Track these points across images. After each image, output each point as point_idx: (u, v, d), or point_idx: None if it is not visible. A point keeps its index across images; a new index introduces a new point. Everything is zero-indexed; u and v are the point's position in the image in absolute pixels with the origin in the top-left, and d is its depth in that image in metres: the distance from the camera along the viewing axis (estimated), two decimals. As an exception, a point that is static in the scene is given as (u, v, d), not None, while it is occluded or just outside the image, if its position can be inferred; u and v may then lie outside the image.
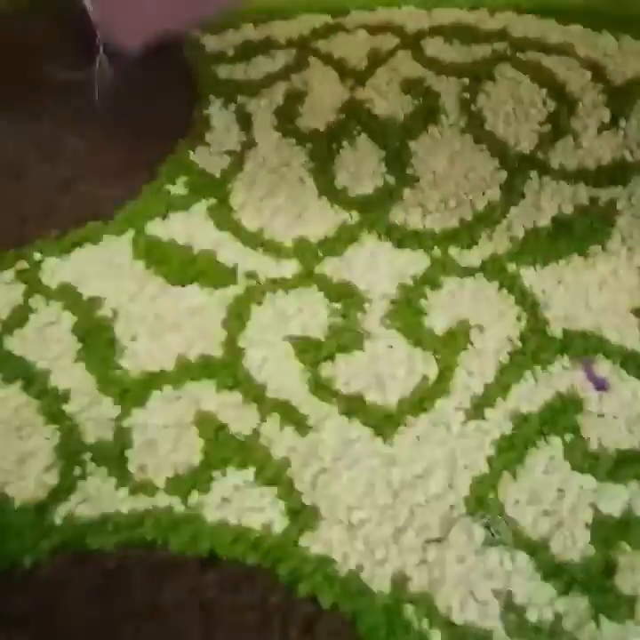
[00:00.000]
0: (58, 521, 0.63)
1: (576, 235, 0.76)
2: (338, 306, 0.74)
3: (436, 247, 0.77)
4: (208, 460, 0.66)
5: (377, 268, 0.76)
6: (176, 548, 0.61)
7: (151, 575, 0.61)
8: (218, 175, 0.86)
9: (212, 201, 0.84)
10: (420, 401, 0.67)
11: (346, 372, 0.70)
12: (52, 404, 0.70)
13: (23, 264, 0.81)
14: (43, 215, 0.85)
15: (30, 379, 0.72)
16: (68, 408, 0.70)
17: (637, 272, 0.73)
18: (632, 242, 0.75)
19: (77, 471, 0.66)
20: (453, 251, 0.76)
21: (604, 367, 0.68)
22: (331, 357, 0.71)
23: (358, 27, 0.99)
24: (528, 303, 0.72)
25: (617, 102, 0.85)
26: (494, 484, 0.63)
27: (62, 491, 0.65)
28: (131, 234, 0.82)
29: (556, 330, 0.70)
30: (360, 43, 0.97)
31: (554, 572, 0.59)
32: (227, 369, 0.71)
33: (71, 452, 0.67)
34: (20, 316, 0.76)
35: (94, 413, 0.69)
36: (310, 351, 0.71)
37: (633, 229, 0.76)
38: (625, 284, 0.72)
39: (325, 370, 0.71)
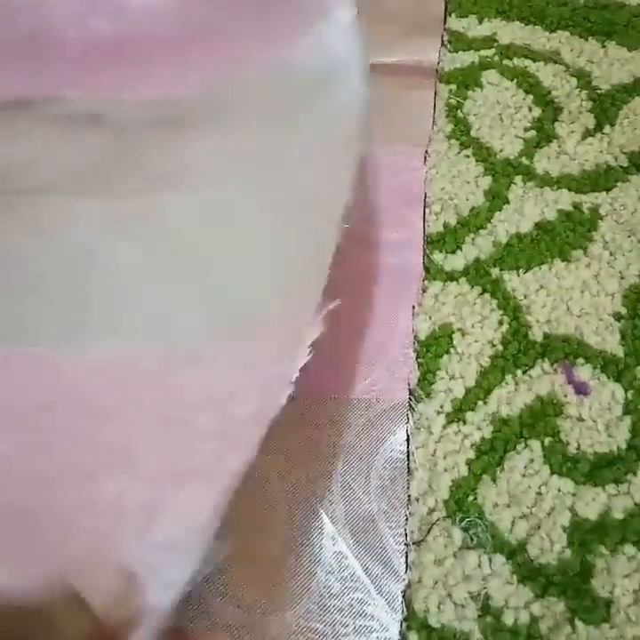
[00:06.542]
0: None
1: (558, 240, 0.76)
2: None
3: (420, 251, 0.77)
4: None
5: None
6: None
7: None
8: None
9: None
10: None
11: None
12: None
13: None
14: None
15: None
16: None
17: (619, 276, 0.73)
18: (614, 246, 0.75)
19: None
20: (437, 255, 0.76)
21: (584, 371, 0.68)
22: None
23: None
24: (510, 307, 0.72)
25: (602, 108, 0.86)
26: (474, 487, 0.63)
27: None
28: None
29: (537, 334, 0.70)
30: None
31: (531, 574, 0.59)
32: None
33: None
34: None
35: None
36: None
37: (615, 234, 0.76)
38: (606, 288, 0.73)
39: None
